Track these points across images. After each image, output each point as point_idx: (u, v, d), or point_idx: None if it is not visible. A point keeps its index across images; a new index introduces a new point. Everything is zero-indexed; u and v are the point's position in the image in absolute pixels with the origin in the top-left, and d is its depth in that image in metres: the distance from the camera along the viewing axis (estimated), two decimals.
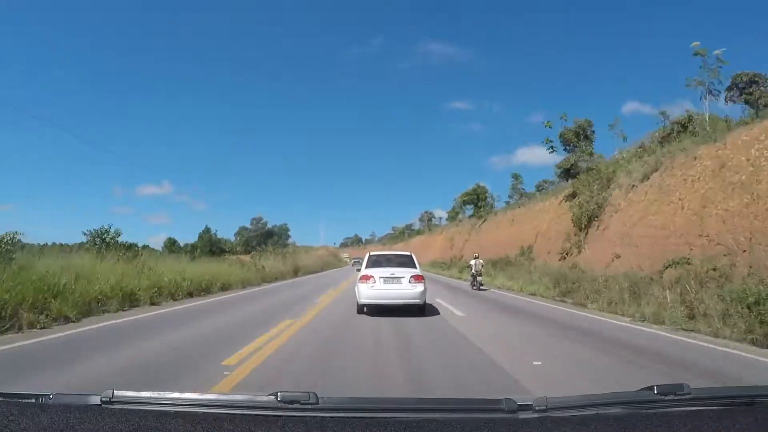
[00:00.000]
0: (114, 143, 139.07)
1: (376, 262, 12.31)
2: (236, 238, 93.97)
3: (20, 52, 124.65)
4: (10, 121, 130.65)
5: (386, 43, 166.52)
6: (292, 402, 1.28)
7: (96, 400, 1.31)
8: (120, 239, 21.22)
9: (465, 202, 53.85)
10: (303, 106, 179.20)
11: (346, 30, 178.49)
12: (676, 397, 1.36)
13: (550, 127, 26.82)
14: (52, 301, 9.52)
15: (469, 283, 22.00)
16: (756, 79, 20.39)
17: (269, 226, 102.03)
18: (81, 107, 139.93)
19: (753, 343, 8.01)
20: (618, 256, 17.01)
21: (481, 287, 21.28)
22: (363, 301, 11.38)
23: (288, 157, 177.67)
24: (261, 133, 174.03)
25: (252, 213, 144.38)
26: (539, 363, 6.39)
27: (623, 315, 12.05)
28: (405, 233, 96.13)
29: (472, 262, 21.93)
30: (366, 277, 11.41)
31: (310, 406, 1.27)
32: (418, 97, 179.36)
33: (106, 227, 21.14)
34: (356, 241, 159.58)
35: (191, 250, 39.72)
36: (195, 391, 1.40)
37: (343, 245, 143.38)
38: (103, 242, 20.32)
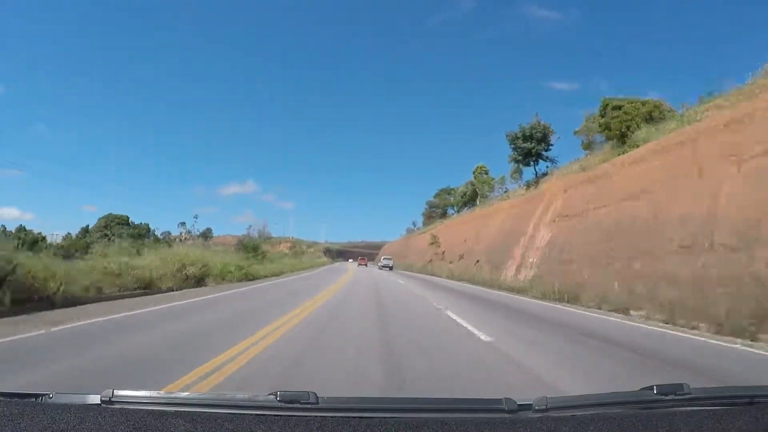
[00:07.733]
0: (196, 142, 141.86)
1: None
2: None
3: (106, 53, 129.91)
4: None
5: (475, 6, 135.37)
6: (292, 401, 1.28)
7: (96, 399, 1.31)
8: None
9: None
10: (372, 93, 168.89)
11: None
12: (676, 397, 1.36)
13: None
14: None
15: None
16: None
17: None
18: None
19: None
20: None
21: None
22: None
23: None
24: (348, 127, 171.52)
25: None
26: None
27: None
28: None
29: None
30: None
31: (310, 406, 1.27)
32: (509, 73, 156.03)
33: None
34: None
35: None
36: (195, 391, 1.40)
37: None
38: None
